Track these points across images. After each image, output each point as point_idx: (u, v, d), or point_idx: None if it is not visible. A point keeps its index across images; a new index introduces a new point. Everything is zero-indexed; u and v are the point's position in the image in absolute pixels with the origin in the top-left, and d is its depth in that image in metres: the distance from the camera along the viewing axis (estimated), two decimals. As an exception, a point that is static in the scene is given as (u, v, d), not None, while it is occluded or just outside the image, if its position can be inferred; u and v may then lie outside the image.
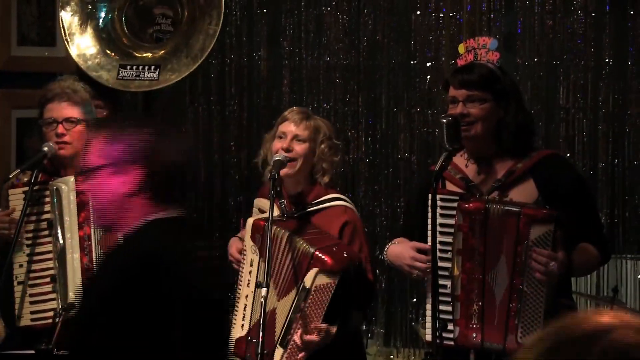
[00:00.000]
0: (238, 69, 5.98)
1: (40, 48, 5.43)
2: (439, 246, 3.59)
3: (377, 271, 5.70)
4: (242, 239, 4.04)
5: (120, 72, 4.69)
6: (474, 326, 3.60)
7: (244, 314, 3.88)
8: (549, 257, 3.46)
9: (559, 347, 1.32)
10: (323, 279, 3.70)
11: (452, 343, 3.60)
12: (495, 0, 5.71)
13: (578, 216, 3.64)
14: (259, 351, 3.51)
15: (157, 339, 2.60)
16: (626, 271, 5.59)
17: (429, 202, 3.55)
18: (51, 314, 3.83)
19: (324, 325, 3.68)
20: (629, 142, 5.67)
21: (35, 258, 3.96)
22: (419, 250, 3.67)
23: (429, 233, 3.58)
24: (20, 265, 3.95)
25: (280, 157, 3.84)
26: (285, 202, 3.93)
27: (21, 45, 5.41)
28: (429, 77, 5.81)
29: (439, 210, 3.60)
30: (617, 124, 5.68)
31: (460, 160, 3.76)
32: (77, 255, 3.91)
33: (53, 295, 3.93)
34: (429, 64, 5.81)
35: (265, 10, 5.94)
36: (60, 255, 3.90)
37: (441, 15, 5.76)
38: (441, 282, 3.57)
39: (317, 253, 3.72)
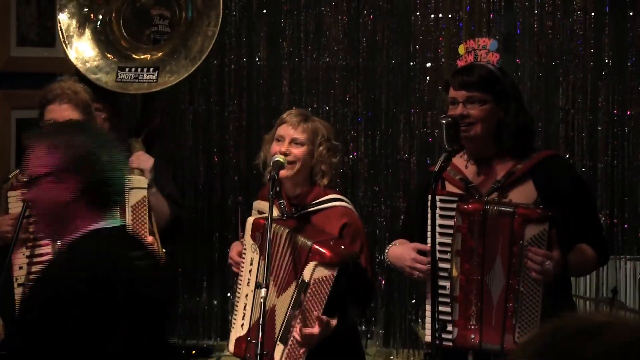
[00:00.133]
0: (237, 69, 5.99)
1: (39, 49, 5.44)
2: (438, 247, 3.59)
3: (377, 272, 5.71)
4: (243, 243, 4.05)
5: (119, 74, 4.69)
6: (473, 327, 3.60)
7: (244, 313, 3.88)
8: (545, 256, 3.46)
9: (553, 345, 1.32)
10: (322, 272, 3.70)
11: (450, 344, 3.60)
12: (494, 1, 5.71)
13: (577, 217, 3.64)
14: (259, 352, 3.51)
15: (96, 349, 2.61)
16: (625, 272, 5.59)
17: (429, 203, 3.56)
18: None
19: (324, 317, 3.69)
20: (629, 143, 5.68)
21: (35, 260, 3.96)
22: (420, 252, 3.67)
23: (429, 234, 3.58)
24: (20, 267, 3.95)
25: (279, 158, 3.85)
26: (285, 203, 3.94)
27: (21, 45, 5.41)
28: (428, 78, 5.82)
29: (438, 211, 3.60)
30: (617, 125, 5.68)
31: (460, 161, 3.76)
32: (76, 256, 3.91)
33: (52, 297, 3.93)
34: (428, 65, 5.81)
35: (264, 11, 5.95)
36: (59, 257, 3.90)
37: (440, 16, 5.76)
38: (441, 283, 3.57)
39: (315, 246, 3.73)
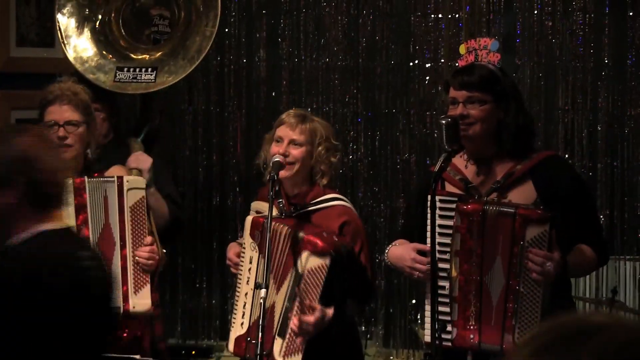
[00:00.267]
0: (237, 70, 5.99)
1: (39, 49, 5.44)
2: (438, 247, 3.59)
3: (377, 272, 5.71)
4: (240, 244, 4.05)
5: (117, 74, 4.69)
6: (472, 327, 3.60)
7: (244, 312, 3.89)
8: (545, 257, 3.46)
9: (551, 346, 1.32)
10: (315, 261, 3.72)
11: (450, 344, 3.60)
12: (494, 1, 5.71)
13: (577, 218, 3.64)
14: (258, 352, 3.51)
15: (38, 351, 2.60)
16: (625, 272, 5.59)
17: (429, 203, 3.56)
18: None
19: (319, 306, 3.70)
20: (628, 143, 5.68)
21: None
22: (420, 252, 3.67)
23: (429, 234, 3.58)
24: None
25: (279, 159, 3.86)
26: (284, 202, 3.94)
27: (20, 46, 5.41)
28: (427, 78, 5.82)
29: (438, 212, 3.60)
30: (617, 125, 5.69)
31: (460, 161, 3.76)
32: (76, 257, 3.91)
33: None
34: (427, 65, 5.81)
35: (264, 11, 5.95)
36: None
37: (440, 16, 5.76)
38: (440, 283, 3.57)
39: (307, 237, 3.74)
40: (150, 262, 3.99)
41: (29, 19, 5.45)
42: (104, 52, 4.75)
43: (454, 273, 3.61)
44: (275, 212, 3.85)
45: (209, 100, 6.04)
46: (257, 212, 4.01)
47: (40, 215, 2.72)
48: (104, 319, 2.83)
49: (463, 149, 3.71)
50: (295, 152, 3.91)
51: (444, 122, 3.65)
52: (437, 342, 3.49)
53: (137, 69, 4.67)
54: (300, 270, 3.74)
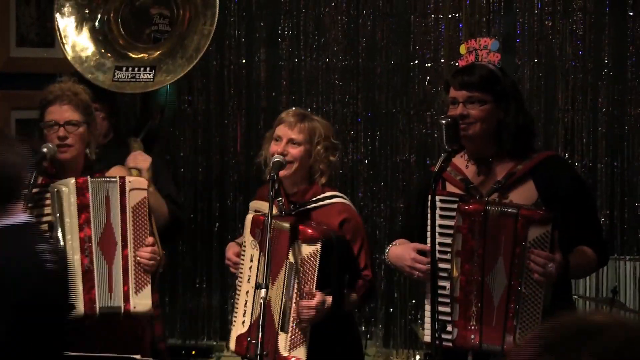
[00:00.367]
0: (237, 70, 5.99)
1: (39, 49, 5.44)
2: (438, 247, 3.59)
3: (377, 271, 5.71)
4: (239, 244, 4.06)
5: (116, 73, 4.70)
6: (473, 328, 3.59)
7: (245, 311, 3.89)
8: (547, 258, 3.46)
9: (552, 346, 1.32)
10: (306, 249, 3.74)
11: (450, 344, 3.60)
12: (494, 1, 5.71)
13: (577, 218, 3.64)
14: (258, 352, 3.52)
15: None
16: (625, 272, 5.59)
17: (429, 203, 3.56)
18: (51, 315, 3.83)
19: (317, 292, 3.71)
20: (629, 143, 5.68)
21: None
22: (420, 252, 3.67)
23: (429, 234, 3.58)
24: None
25: (279, 159, 3.87)
26: (283, 201, 3.95)
27: (20, 46, 5.41)
28: (427, 78, 5.82)
29: (439, 212, 3.60)
30: (617, 125, 5.69)
31: (460, 161, 3.76)
32: (77, 257, 3.91)
33: (53, 297, 3.94)
34: (427, 65, 5.81)
35: (264, 12, 5.95)
36: (61, 256, 3.91)
37: (440, 16, 5.76)
38: (440, 283, 3.57)
39: (297, 228, 3.76)
40: (151, 262, 3.99)
41: (29, 19, 5.45)
42: (103, 52, 4.75)
43: (455, 273, 3.60)
44: (274, 210, 3.86)
45: (209, 100, 6.04)
46: (256, 211, 4.02)
47: (1, 211, 2.71)
48: (59, 314, 2.83)
49: (463, 149, 3.71)
50: (294, 151, 3.92)
51: (443, 122, 3.64)
52: (437, 342, 3.48)
53: (136, 69, 4.67)
54: (292, 260, 3.75)
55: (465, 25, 5.72)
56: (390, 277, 5.83)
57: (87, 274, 3.91)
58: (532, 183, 3.66)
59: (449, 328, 3.58)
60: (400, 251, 3.76)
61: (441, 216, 3.61)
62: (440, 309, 3.54)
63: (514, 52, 5.70)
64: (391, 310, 5.88)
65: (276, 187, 3.80)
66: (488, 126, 3.65)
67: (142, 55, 4.77)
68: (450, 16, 5.75)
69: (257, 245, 3.88)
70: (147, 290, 3.98)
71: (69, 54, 4.76)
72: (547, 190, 3.63)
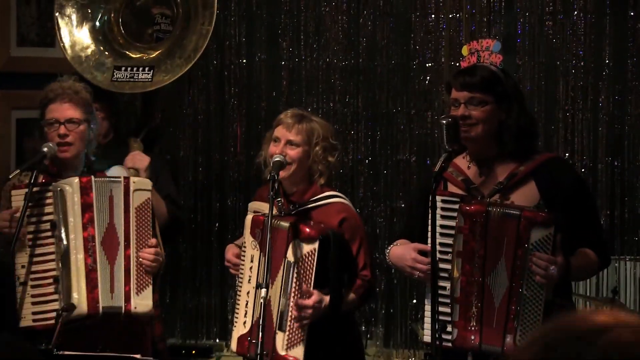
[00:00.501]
0: (237, 70, 5.98)
1: (39, 49, 5.43)
2: (439, 248, 3.59)
3: (377, 272, 5.71)
4: (238, 246, 4.06)
5: (114, 73, 4.70)
6: (473, 328, 3.59)
7: (246, 311, 3.90)
8: (549, 261, 3.46)
9: (555, 346, 1.32)
10: (304, 248, 3.74)
11: (450, 345, 3.60)
12: (495, 1, 5.71)
13: (579, 220, 3.63)
14: (259, 351, 3.52)
15: None
16: (625, 272, 5.59)
17: (430, 203, 3.56)
18: (53, 314, 3.82)
19: (315, 291, 3.71)
20: (629, 143, 5.67)
21: (38, 259, 3.96)
22: (421, 252, 3.67)
23: (430, 234, 3.58)
24: (22, 266, 3.95)
25: (280, 158, 3.87)
26: (283, 201, 3.95)
27: (21, 46, 5.41)
28: (428, 78, 5.81)
29: (440, 212, 3.60)
30: (617, 125, 5.68)
31: (462, 161, 3.76)
32: (81, 256, 3.91)
33: (55, 297, 3.93)
34: (428, 65, 5.81)
35: (264, 11, 5.94)
36: (64, 256, 3.90)
37: (441, 16, 5.76)
38: (441, 283, 3.57)
39: (296, 227, 3.75)
40: (153, 264, 3.99)
41: (30, 19, 5.45)
42: (103, 51, 4.75)
43: (455, 274, 3.60)
44: (274, 211, 3.86)
45: (209, 100, 6.03)
46: (255, 212, 4.02)
47: None
48: None
49: (464, 149, 3.71)
50: (292, 152, 3.92)
51: (444, 122, 3.64)
52: (437, 342, 3.48)
53: (135, 69, 4.67)
54: (291, 259, 3.76)
55: (465, 25, 5.72)
56: (390, 277, 5.82)
57: (91, 273, 3.91)
58: (533, 184, 3.65)
59: (449, 328, 3.59)
60: (401, 251, 3.76)
61: (442, 216, 3.61)
62: (441, 309, 3.54)
63: (515, 52, 5.70)
64: (391, 310, 5.88)
65: (276, 187, 3.80)
66: (489, 127, 3.65)
67: (141, 55, 4.77)
68: (450, 16, 5.74)
69: (257, 246, 3.88)
70: (149, 291, 3.98)
71: (69, 54, 4.76)
72: (549, 192, 3.63)
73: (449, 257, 3.61)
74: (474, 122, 3.64)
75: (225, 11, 5.90)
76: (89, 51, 4.80)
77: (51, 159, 3.98)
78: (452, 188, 3.74)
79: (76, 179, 3.94)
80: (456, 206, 3.60)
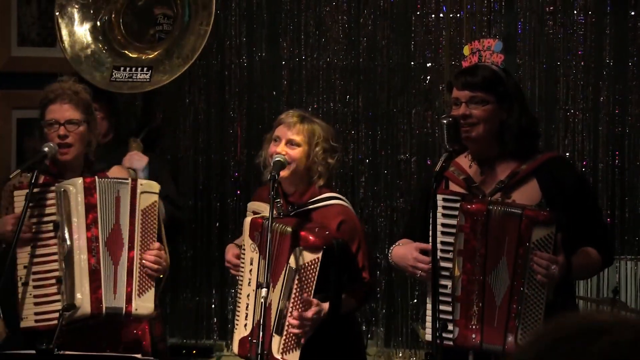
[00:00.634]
0: (237, 69, 5.99)
1: (40, 49, 5.44)
2: (441, 246, 3.59)
3: (378, 272, 5.71)
4: (238, 246, 4.05)
5: (113, 73, 4.70)
6: (474, 327, 3.60)
7: (247, 314, 3.89)
8: (550, 260, 3.46)
9: (556, 346, 1.32)
10: (307, 256, 3.73)
11: (451, 344, 3.60)
12: (495, 0, 5.71)
13: (581, 219, 3.63)
14: (259, 351, 3.52)
15: None
16: (626, 272, 5.59)
17: (431, 202, 3.56)
18: (56, 315, 3.82)
19: (314, 300, 3.70)
20: (629, 143, 5.68)
21: (40, 259, 3.95)
22: (422, 251, 3.67)
23: (431, 233, 3.58)
24: (25, 267, 3.95)
25: (280, 159, 3.86)
26: (282, 202, 3.94)
27: (21, 45, 5.42)
28: (428, 77, 5.81)
29: (441, 211, 3.60)
30: (618, 125, 5.68)
31: (464, 161, 3.76)
32: (84, 257, 3.90)
33: (58, 297, 3.93)
34: (428, 65, 5.81)
35: (265, 11, 5.94)
36: (67, 256, 3.90)
37: (441, 15, 5.76)
38: (442, 282, 3.57)
39: (300, 233, 3.75)
40: (156, 266, 3.98)
41: (30, 19, 5.45)
42: (102, 51, 4.75)
43: (456, 272, 3.60)
44: (273, 212, 3.85)
45: (209, 100, 6.04)
46: (254, 212, 4.02)
47: None
48: None
49: (465, 148, 3.71)
50: (292, 152, 3.92)
51: (444, 121, 3.65)
52: (438, 341, 3.48)
53: (133, 69, 4.67)
54: (293, 266, 3.75)
55: (466, 24, 5.72)
56: (391, 277, 5.82)
57: (94, 273, 3.90)
58: (535, 183, 3.65)
59: (450, 327, 3.59)
60: (403, 251, 3.76)
61: (444, 215, 3.61)
62: (442, 308, 3.54)
63: (515, 52, 5.70)
64: (392, 310, 5.88)
65: (276, 187, 3.80)
66: (490, 127, 3.65)
67: (140, 55, 4.77)
68: (451, 15, 5.75)
69: (257, 249, 3.87)
70: (150, 293, 3.98)
71: (68, 54, 4.76)
72: (551, 191, 3.63)
73: (450, 255, 3.61)
74: (475, 122, 3.64)
75: (226, 11, 5.90)
76: (88, 51, 4.81)
77: (52, 159, 3.98)
78: (453, 187, 3.74)
79: (80, 180, 3.94)
80: (457, 205, 3.60)
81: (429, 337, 3.58)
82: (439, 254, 3.56)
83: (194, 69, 5.91)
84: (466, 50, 3.78)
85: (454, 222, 3.60)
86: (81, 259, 3.90)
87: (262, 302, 3.56)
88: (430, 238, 3.56)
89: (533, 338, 1.37)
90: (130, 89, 4.71)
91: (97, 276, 3.90)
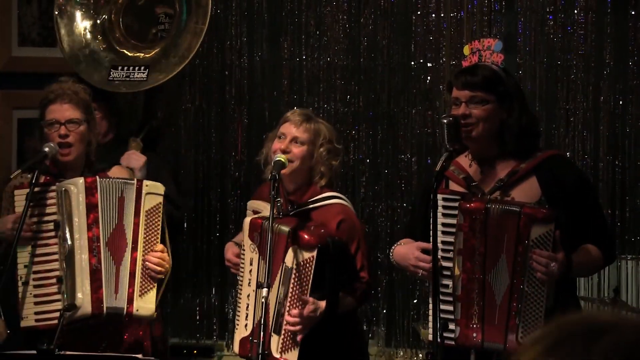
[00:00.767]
0: (238, 69, 5.98)
1: (40, 48, 5.43)
2: (441, 246, 3.59)
3: (379, 272, 5.71)
4: (237, 244, 4.05)
5: (111, 72, 4.70)
6: (475, 326, 3.60)
7: (247, 314, 3.89)
8: (550, 258, 3.46)
9: (558, 346, 1.32)
10: (303, 255, 3.73)
11: (452, 343, 3.60)
12: (495, 0, 5.71)
13: (582, 216, 3.64)
14: (260, 351, 3.52)
15: None
16: (627, 271, 5.59)
17: (431, 201, 3.56)
18: (57, 314, 3.82)
19: (310, 299, 3.70)
20: (629, 142, 5.68)
21: (40, 259, 3.96)
22: (424, 251, 3.68)
23: (431, 232, 3.58)
24: (25, 266, 3.95)
25: (281, 159, 3.86)
26: (282, 201, 3.94)
27: (22, 45, 5.41)
28: (429, 77, 5.81)
29: (441, 210, 3.60)
30: (618, 124, 5.68)
31: (464, 160, 3.77)
32: (85, 256, 3.90)
33: (59, 296, 3.93)
34: (429, 65, 5.81)
35: (265, 11, 5.94)
36: (68, 256, 3.90)
37: (442, 15, 5.76)
38: (443, 281, 3.58)
39: (295, 232, 3.75)
40: (159, 268, 3.98)
41: (31, 19, 5.45)
42: (101, 51, 4.76)
43: (457, 272, 3.61)
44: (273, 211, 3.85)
45: (209, 100, 6.03)
46: (254, 210, 4.02)
47: None
48: None
49: (465, 148, 3.71)
50: (296, 150, 3.92)
51: (445, 121, 3.65)
52: (439, 340, 3.48)
53: (131, 68, 4.68)
54: (289, 265, 3.75)
55: (466, 24, 5.72)
56: (391, 277, 5.82)
57: (95, 273, 3.90)
58: (535, 180, 3.66)
59: (452, 326, 3.59)
60: (405, 251, 3.77)
61: (444, 214, 3.61)
62: (443, 307, 3.54)
63: (515, 51, 5.70)
64: (393, 309, 5.88)
65: (276, 186, 3.79)
66: (490, 126, 3.66)
67: (138, 54, 4.78)
68: (451, 15, 5.75)
69: (256, 249, 3.87)
70: (152, 295, 3.98)
71: (67, 53, 4.76)
72: (551, 188, 3.63)
73: (450, 255, 3.62)
74: (474, 121, 3.64)
75: (226, 11, 5.90)
76: (87, 51, 4.81)
77: (52, 159, 3.98)
78: (453, 186, 3.74)
79: (81, 179, 3.94)
80: (457, 204, 3.60)
81: (430, 336, 3.58)
82: (440, 253, 3.56)
83: (195, 68, 5.91)
84: (466, 50, 3.79)
85: (454, 221, 3.61)
86: (82, 258, 3.90)
87: (262, 303, 3.56)
88: (431, 237, 3.56)
89: (534, 338, 1.37)
90: (127, 88, 4.71)
91: (98, 276, 3.90)
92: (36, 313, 3.93)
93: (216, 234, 6.05)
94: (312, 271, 3.72)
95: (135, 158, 4.50)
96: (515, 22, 5.74)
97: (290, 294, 3.75)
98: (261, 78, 5.98)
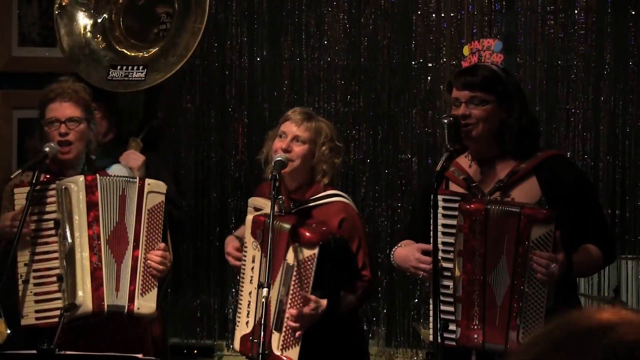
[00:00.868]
0: (238, 69, 5.98)
1: (41, 48, 5.43)
2: (442, 247, 3.59)
3: (379, 272, 5.71)
4: (238, 237, 4.05)
5: (110, 72, 4.70)
6: (475, 327, 3.60)
7: (248, 311, 3.89)
8: (550, 259, 3.46)
9: (560, 344, 1.32)
10: (304, 253, 3.74)
11: (453, 343, 3.60)
12: (495, 0, 5.71)
13: (582, 216, 3.64)
14: (260, 351, 3.52)
15: None
16: (627, 272, 5.59)
17: (431, 202, 3.56)
18: (57, 313, 3.82)
19: (312, 296, 3.70)
20: (629, 143, 5.68)
21: (40, 257, 3.96)
22: (424, 252, 3.68)
23: (432, 234, 3.58)
24: (25, 264, 3.95)
25: (282, 158, 3.86)
26: (284, 199, 3.94)
27: (22, 45, 5.41)
28: (429, 77, 5.81)
29: (442, 211, 3.60)
30: (618, 124, 5.68)
31: (464, 160, 3.77)
32: (86, 254, 3.90)
33: (59, 295, 3.93)
34: (429, 65, 5.81)
35: (265, 11, 5.94)
36: (68, 254, 3.90)
37: (442, 15, 5.76)
38: (444, 282, 3.58)
39: (296, 229, 3.75)
40: (161, 267, 3.98)
41: (31, 19, 5.45)
42: (100, 51, 4.76)
43: (457, 273, 3.61)
44: (275, 209, 3.85)
45: (209, 100, 6.04)
46: (256, 208, 4.02)
47: None
48: None
49: (465, 148, 3.71)
50: (297, 149, 3.92)
51: (445, 121, 3.65)
52: (439, 341, 3.48)
53: (129, 67, 4.68)
54: (290, 262, 3.75)
55: (467, 24, 5.72)
56: (392, 277, 5.82)
57: (96, 271, 3.90)
58: (535, 180, 3.66)
59: (452, 327, 3.59)
60: (405, 252, 3.77)
61: (444, 215, 3.61)
62: (443, 308, 3.54)
63: (516, 51, 5.70)
64: (393, 309, 5.88)
65: (277, 186, 3.80)
66: (490, 126, 3.66)
67: (137, 53, 4.78)
68: (452, 15, 5.75)
69: (259, 246, 3.87)
70: (153, 293, 3.97)
71: (66, 53, 4.76)
72: (551, 188, 3.63)
73: (451, 256, 3.62)
74: (474, 122, 3.64)
75: (226, 11, 5.90)
76: (86, 50, 4.81)
77: (52, 158, 3.98)
78: (453, 187, 3.74)
79: (81, 177, 3.94)
80: (457, 205, 3.60)
81: (431, 337, 3.58)
82: (440, 254, 3.56)
83: (194, 68, 5.91)
84: (466, 51, 3.79)
85: (454, 222, 3.61)
86: (82, 257, 3.90)
87: (263, 302, 3.56)
88: (431, 239, 3.56)
89: (535, 337, 1.36)
90: (125, 88, 4.72)
91: (99, 274, 3.90)
92: (36, 311, 3.93)
93: (216, 234, 6.05)
94: (314, 269, 3.72)
95: (133, 157, 4.50)
96: (515, 22, 5.74)
97: (291, 292, 3.76)
98: (261, 78, 5.98)
